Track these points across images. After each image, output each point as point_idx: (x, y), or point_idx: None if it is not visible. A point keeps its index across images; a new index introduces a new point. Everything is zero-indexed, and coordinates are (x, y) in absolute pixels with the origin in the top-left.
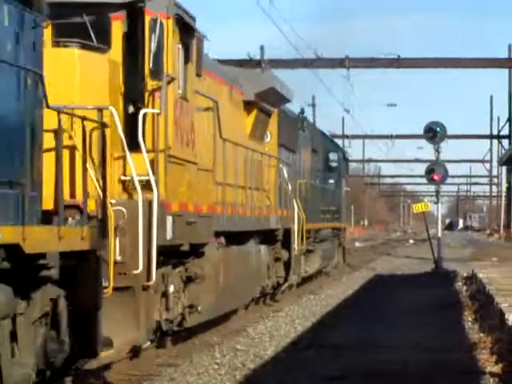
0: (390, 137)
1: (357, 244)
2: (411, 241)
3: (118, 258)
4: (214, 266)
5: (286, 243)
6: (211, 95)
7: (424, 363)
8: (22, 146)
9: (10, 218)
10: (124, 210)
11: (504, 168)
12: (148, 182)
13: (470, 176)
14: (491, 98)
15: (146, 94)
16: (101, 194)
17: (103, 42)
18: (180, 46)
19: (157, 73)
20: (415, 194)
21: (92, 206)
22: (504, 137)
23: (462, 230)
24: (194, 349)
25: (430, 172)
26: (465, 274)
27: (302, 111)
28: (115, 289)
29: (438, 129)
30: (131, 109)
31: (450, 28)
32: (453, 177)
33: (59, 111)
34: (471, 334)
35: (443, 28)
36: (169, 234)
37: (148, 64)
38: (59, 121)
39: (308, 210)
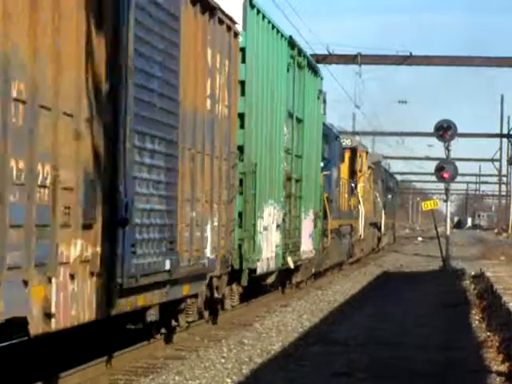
0: (400, 134)
1: None
2: (419, 238)
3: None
4: (365, 234)
5: (378, 228)
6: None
7: (431, 362)
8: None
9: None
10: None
11: None
12: (360, 206)
13: (480, 175)
14: (502, 97)
15: (358, 177)
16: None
17: (343, 160)
18: (367, 157)
19: (361, 169)
20: (424, 191)
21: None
22: None
23: (471, 228)
24: (200, 342)
25: (439, 170)
26: (472, 273)
27: (380, 163)
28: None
29: (448, 127)
30: (352, 183)
31: (462, 28)
32: (462, 175)
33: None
34: (478, 332)
35: (455, 27)
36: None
37: (358, 167)
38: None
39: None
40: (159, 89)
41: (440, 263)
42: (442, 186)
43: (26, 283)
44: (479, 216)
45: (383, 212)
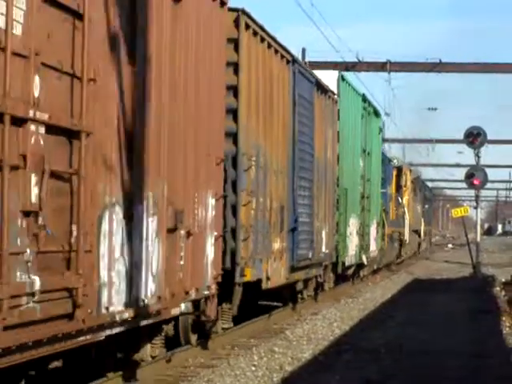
0: (430, 141)
1: None
2: (450, 245)
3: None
4: (409, 239)
5: (419, 235)
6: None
7: (461, 369)
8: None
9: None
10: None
11: None
12: (405, 215)
13: (510, 181)
14: None
15: (403, 191)
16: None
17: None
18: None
19: (405, 185)
20: (454, 198)
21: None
22: None
23: (501, 235)
24: (231, 350)
25: (469, 177)
26: (503, 280)
27: (419, 177)
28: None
29: (478, 134)
30: (399, 196)
31: (492, 33)
32: (492, 182)
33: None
34: (508, 339)
35: (485, 33)
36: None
37: (403, 182)
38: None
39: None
40: (305, 148)
41: (470, 270)
42: (472, 192)
43: (260, 261)
44: (509, 222)
45: (422, 220)
